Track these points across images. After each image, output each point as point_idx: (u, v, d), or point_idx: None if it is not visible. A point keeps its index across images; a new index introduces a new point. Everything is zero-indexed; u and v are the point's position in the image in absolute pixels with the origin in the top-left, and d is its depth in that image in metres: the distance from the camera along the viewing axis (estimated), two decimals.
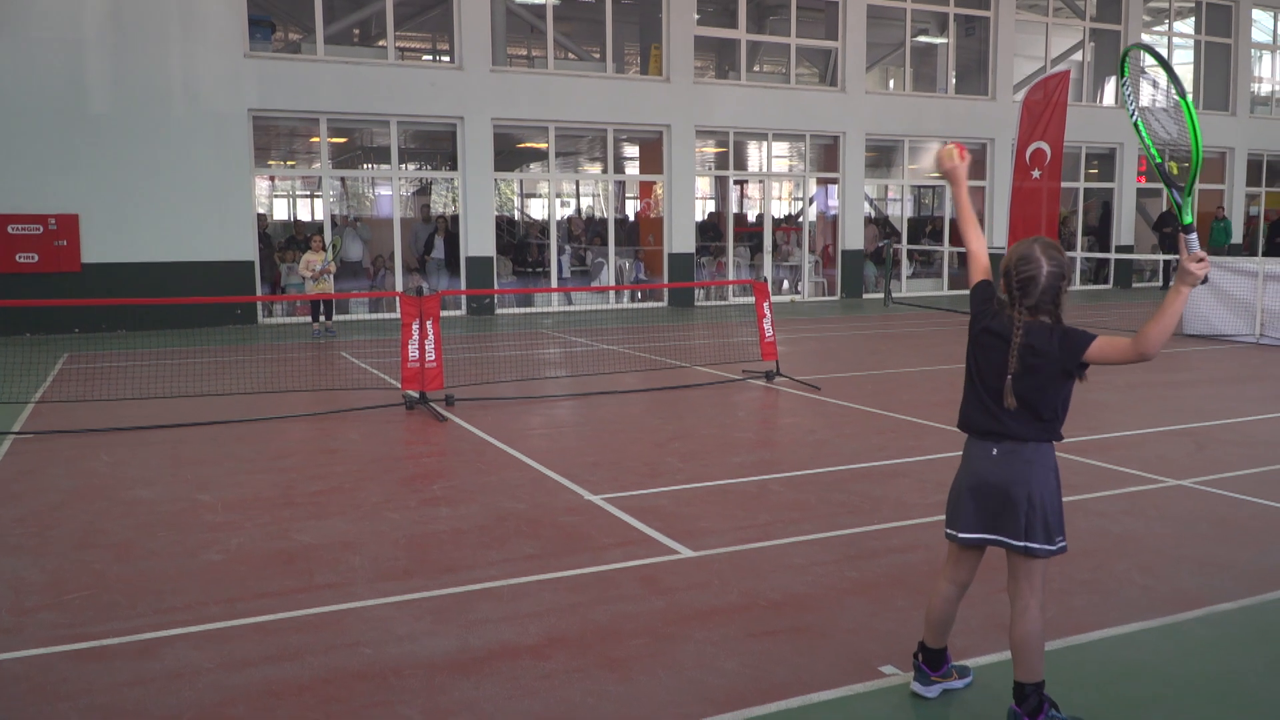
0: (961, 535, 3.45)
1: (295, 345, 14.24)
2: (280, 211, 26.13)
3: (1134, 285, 25.19)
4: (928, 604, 3.63)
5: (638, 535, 5.47)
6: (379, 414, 9.13)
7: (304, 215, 25.48)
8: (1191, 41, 25.96)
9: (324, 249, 15.54)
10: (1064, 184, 20.24)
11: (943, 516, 5.67)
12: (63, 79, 15.34)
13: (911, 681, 3.66)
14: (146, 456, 7.52)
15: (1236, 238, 25.99)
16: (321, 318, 15.54)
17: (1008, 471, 3.34)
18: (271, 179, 24.59)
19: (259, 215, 17.94)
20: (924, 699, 3.61)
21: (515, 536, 5.48)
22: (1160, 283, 25.41)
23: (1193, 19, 26.06)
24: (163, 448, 7.82)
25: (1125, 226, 24.77)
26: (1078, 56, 24.69)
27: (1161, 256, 23.58)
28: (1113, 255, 22.81)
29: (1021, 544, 3.32)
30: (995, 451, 3.37)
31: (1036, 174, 17.10)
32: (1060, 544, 3.35)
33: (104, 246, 15.70)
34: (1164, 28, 26.08)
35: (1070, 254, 21.07)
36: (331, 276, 15.47)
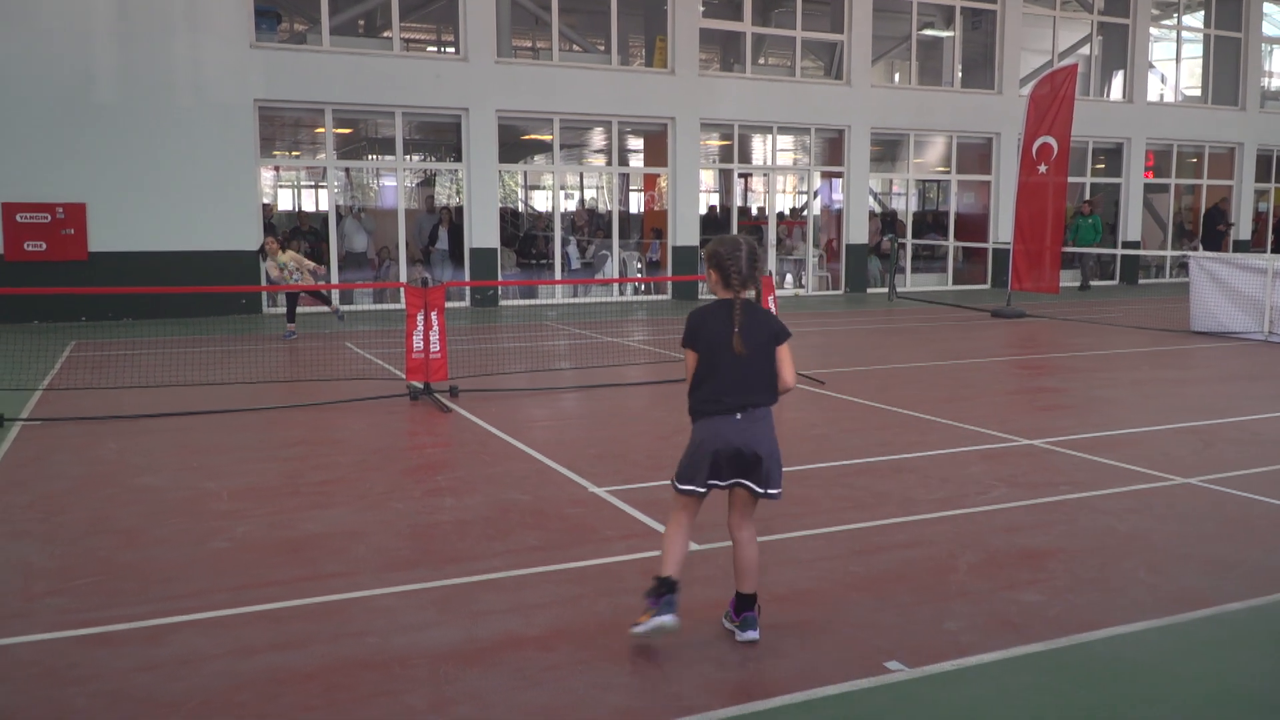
0: (707, 485, 3.97)
1: (299, 335, 14.24)
2: (285, 202, 26.14)
3: (1140, 281, 25.13)
4: (673, 545, 3.99)
5: (641, 528, 5.48)
6: (383, 404, 9.14)
7: (308, 206, 25.50)
8: (1201, 35, 25.89)
9: (281, 249, 14.12)
10: (1071, 179, 20.20)
11: (949, 512, 5.72)
12: (70, 69, 15.35)
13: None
14: (153, 444, 7.54)
15: (1244, 234, 25.92)
16: (325, 308, 15.08)
17: (751, 433, 3.94)
18: (276, 169, 24.61)
19: (264, 205, 17.94)
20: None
21: (519, 528, 5.49)
22: (1168, 277, 25.37)
23: (1202, 12, 25.99)
24: (169, 436, 7.84)
25: (1132, 222, 24.71)
26: (1085, 50, 24.62)
27: (1170, 252, 23.54)
28: (1119, 251, 22.77)
29: (763, 490, 3.99)
30: (739, 418, 3.94)
31: (1043, 169, 17.07)
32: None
33: (111, 235, 15.73)
34: (1173, 21, 26.00)
35: (1075, 249, 21.07)
36: (311, 273, 14.26)
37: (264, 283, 14.78)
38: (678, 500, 4.05)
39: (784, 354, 4.02)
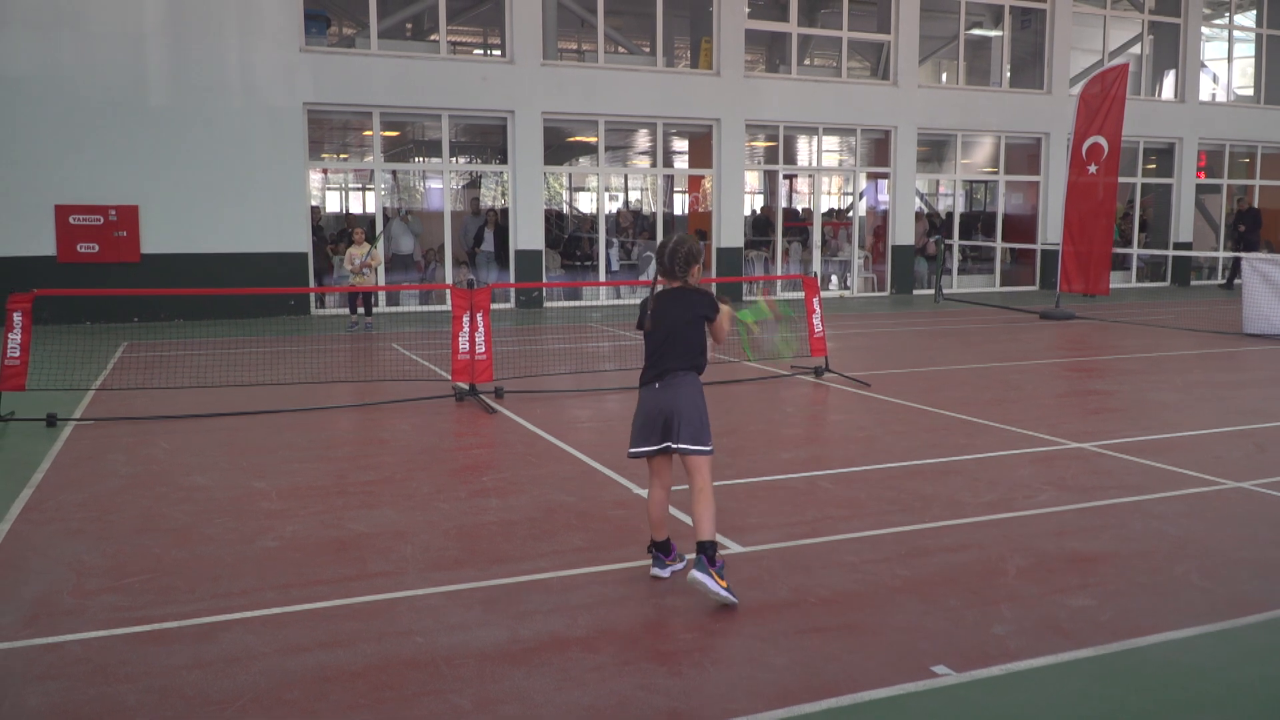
0: (642, 450, 4.61)
1: (346, 336, 14.40)
2: (333, 204, 26.42)
3: (1192, 283, 24.71)
4: (649, 511, 4.69)
5: (686, 530, 5.45)
6: (429, 405, 9.20)
7: (355, 208, 25.75)
8: (1253, 35, 25.41)
9: (366, 241, 15.24)
10: (1121, 179, 19.91)
11: (998, 515, 5.66)
12: (123, 72, 15.63)
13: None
14: (203, 444, 7.65)
15: None
16: (360, 310, 15.54)
17: (666, 397, 4.53)
18: (325, 172, 24.88)
19: (312, 208, 18.15)
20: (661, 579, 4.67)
21: (564, 529, 5.51)
22: (1220, 279, 24.93)
23: (1254, 11, 25.50)
24: (219, 435, 7.94)
25: (1184, 223, 24.31)
26: (1136, 50, 24.26)
27: (1222, 254, 23.14)
28: (1170, 252, 22.40)
29: (677, 444, 4.55)
30: (658, 386, 4.56)
31: (1093, 169, 16.84)
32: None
33: (162, 237, 15.99)
34: (1224, 20, 25.54)
35: (1126, 250, 20.75)
36: (372, 270, 15.21)
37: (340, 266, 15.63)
38: (648, 469, 4.69)
39: (716, 323, 4.65)
